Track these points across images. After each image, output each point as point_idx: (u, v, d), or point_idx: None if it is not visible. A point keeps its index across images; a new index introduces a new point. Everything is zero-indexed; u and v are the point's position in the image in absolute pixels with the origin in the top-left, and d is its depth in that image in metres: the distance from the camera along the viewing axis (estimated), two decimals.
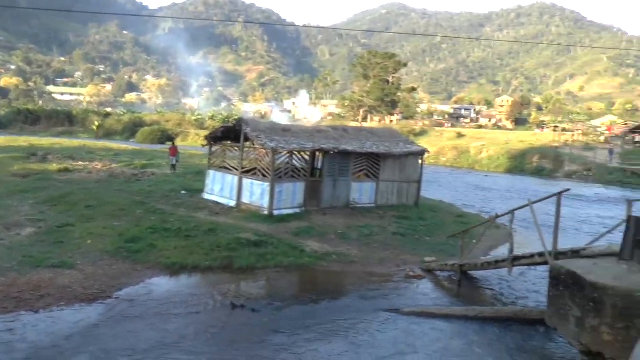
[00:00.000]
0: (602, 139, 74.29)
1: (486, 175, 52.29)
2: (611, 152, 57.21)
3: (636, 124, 74.32)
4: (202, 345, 9.73)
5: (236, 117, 34.42)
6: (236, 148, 22.04)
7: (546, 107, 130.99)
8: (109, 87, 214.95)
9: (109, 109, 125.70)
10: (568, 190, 12.43)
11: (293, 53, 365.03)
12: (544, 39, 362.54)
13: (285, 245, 16.39)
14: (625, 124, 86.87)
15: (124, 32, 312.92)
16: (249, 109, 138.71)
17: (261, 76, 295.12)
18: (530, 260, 12.86)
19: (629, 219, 10.10)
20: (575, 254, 11.56)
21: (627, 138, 69.98)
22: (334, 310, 12.13)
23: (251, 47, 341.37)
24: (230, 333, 10.46)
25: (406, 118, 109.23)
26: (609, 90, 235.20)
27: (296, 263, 15.31)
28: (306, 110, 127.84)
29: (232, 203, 21.05)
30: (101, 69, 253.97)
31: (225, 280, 13.75)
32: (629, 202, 11.31)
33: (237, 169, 21.33)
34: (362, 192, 22.61)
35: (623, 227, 10.33)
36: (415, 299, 13.44)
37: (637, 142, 65.91)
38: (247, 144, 21.59)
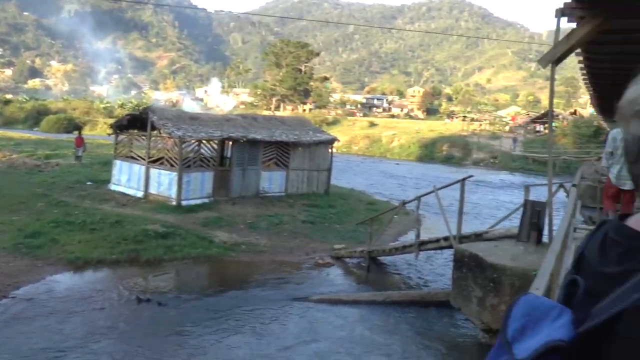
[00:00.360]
0: (507, 128, 77.37)
1: (397, 164, 53.31)
2: (515, 140, 59.64)
3: (537, 114, 77.71)
4: (105, 343, 9.30)
5: (147, 106, 33.43)
6: (143, 137, 21.37)
7: (456, 98, 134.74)
8: (8, 72, 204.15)
9: (9, 96, 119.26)
10: (471, 176, 12.77)
11: (205, 40, 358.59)
12: (454, 32, 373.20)
13: (194, 236, 16.05)
14: (528, 115, 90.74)
15: (25, 13, 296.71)
16: (160, 97, 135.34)
17: (172, 63, 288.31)
18: (436, 244, 13.17)
19: (526, 203, 10.48)
20: (478, 237, 11.92)
21: (529, 127, 73.25)
22: (242, 301, 11.96)
23: (162, 33, 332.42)
24: (135, 329, 10.09)
25: (319, 107, 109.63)
26: (514, 82, 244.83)
27: (204, 254, 15.01)
28: (218, 98, 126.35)
29: (140, 194, 20.42)
30: None
31: (132, 274, 13.30)
32: (527, 187, 11.75)
33: (144, 159, 20.70)
34: (272, 181, 22.47)
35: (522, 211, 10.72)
36: (325, 286, 13.46)
37: (538, 132, 68.97)
38: (155, 132, 20.98)
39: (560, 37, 9.15)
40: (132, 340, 9.55)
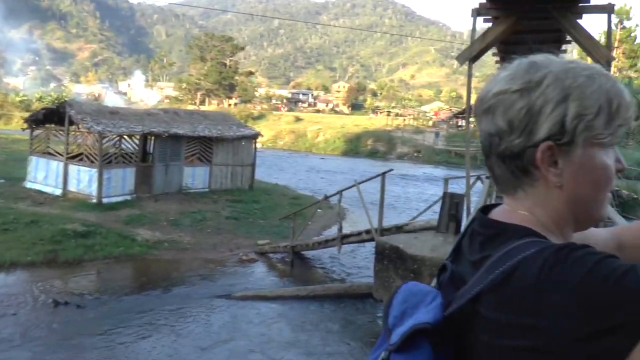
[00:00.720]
0: (430, 123, 79.15)
1: (323, 158, 53.61)
2: (437, 135, 61.09)
3: (459, 110, 79.78)
4: (14, 353, 8.85)
5: (67, 99, 32.25)
6: (61, 132, 20.63)
7: (380, 93, 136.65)
8: None
9: None
10: (391, 170, 12.95)
11: (127, 32, 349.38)
12: (378, 29, 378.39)
13: (115, 235, 15.63)
14: (450, 110, 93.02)
15: None
16: (82, 91, 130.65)
17: (94, 55, 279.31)
18: (358, 237, 13.33)
19: (445, 196, 10.74)
20: (399, 229, 12.14)
21: (451, 122, 75.19)
22: (164, 300, 11.74)
23: (82, 24, 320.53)
24: (50, 334, 9.65)
25: (244, 102, 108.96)
26: (437, 79, 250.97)
27: (126, 253, 14.65)
28: (142, 92, 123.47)
29: (58, 191, 19.70)
30: None
31: (49, 276, 12.77)
32: (446, 180, 12.05)
33: (62, 155, 19.99)
34: (195, 176, 22.18)
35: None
36: (249, 282, 13.40)
37: (460, 126, 70.83)
38: (73, 127, 20.30)
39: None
40: (45, 347, 9.14)
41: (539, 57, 0.92)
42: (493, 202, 10.09)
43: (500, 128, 0.89)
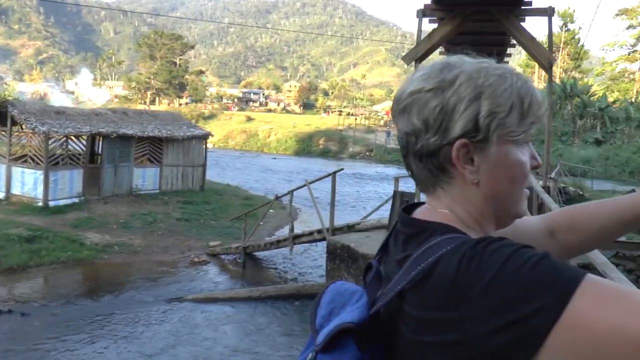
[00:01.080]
0: (382, 122, 79.69)
1: (274, 158, 53.52)
2: (389, 134, 61.58)
3: None
4: None
5: (10, 98, 31.32)
6: (3, 132, 20.04)
7: (332, 93, 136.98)
8: None
9: None
10: (341, 169, 13.03)
11: (74, 29, 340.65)
12: (328, 29, 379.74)
13: (63, 239, 15.24)
14: None
15: None
16: (26, 89, 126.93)
17: (39, 53, 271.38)
18: (310, 237, 13.37)
19: (395, 194, 10.87)
20: (351, 228, 12.23)
21: None
22: (114, 306, 11.52)
23: (25, 20, 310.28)
24: None
25: (195, 101, 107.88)
26: (388, 78, 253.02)
27: (75, 257, 14.29)
28: (91, 91, 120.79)
29: (1, 195, 19.12)
30: None
31: None
32: (396, 179, 12.19)
33: (4, 157, 19.42)
34: (146, 177, 21.86)
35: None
36: (201, 284, 13.29)
37: None
38: (16, 128, 19.76)
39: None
40: None
41: (452, 58, 0.95)
42: None
43: (416, 127, 0.91)
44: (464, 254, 0.76)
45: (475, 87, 0.89)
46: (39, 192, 18.32)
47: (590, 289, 0.69)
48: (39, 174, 18.30)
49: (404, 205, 1.05)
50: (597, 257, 3.39)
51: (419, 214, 0.97)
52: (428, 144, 0.90)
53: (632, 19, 63.21)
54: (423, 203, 1.00)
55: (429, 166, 0.92)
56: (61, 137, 19.39)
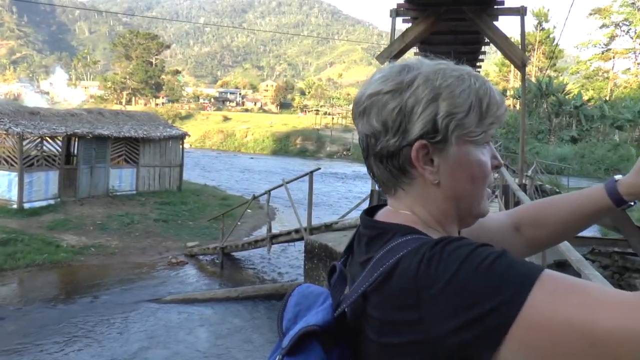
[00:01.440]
0: None
1: (252, 158, 53.43)
2: None
3: None
4: None
5: None
6: None
7: (308, 92, 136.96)
8: None
9: None
10: (318, 169, 13.03)
11: (48, 28, 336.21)
12: (304, 28, 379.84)
13: (38, 241, 15.05)
14: None
15: None
16: None
17: (12, 52, 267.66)
18: (288, 237, 13.36)
19: (372, 193, 10.91)
20: (328, 227, 12.23)
21: None
22: (91, 309, 11.39)
23: None
24: None
25: (171, 101, 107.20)
26: (364, 77, 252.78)
27: (51, 260, 14.12)
28: (66, 91, 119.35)
29: None
30: None
31: None
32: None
33: None
34: (122, 178, 21.66)
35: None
36: (179, 286, 13.21)
37: None
38: None
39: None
40: None
41: (411, 60, 0.96)
42: None
43: (376, 129, 0.91)
44: (423, 254, 0.77)
45: (433, 89, 0.89)
46: (14, 194, 18.05)
47: (547, 284, 0.69)
48: (14, 176, 18.04)
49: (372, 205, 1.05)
50: (572, 254, 3.43)
51: (381, 215, 0.97)
52: (388, 146, 0.91)
53: (605, 18, 64.13)
54: (385, 205, 1.00)
55: (390, 167, 0.93)
56: (36, 138, 19.13)
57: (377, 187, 11.59)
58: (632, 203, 1.12)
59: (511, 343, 0.68)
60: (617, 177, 1.12)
